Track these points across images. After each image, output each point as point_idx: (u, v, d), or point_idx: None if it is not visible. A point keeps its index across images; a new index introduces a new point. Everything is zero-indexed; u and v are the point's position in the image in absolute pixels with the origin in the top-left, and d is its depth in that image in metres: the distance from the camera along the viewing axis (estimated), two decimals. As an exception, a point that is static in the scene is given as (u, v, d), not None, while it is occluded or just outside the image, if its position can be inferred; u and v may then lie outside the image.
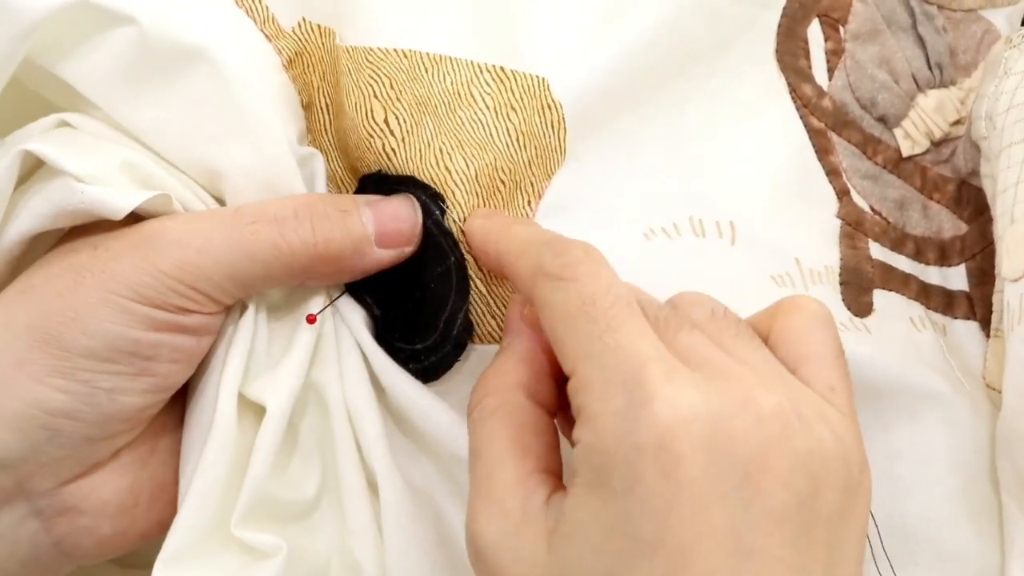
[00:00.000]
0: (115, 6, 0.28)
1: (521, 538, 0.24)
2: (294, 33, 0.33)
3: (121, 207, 0.27)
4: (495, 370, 0.28)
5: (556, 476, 0.26)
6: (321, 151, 0.33)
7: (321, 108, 0.33)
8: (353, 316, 0.31)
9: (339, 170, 0.33)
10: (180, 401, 0.31)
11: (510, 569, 0.24)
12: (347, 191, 0.33)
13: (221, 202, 0.31)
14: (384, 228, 0.30)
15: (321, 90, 0.33)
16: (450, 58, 0.31)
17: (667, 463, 0.22)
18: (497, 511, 0.25)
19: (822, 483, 0.23)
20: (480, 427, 0.27)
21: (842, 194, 0.36)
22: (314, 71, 0.33)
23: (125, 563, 0.34)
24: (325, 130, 0.33)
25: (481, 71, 0.32)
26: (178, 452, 0.30)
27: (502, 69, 0.32)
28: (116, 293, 0.27)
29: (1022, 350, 0.31)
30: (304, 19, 0.33)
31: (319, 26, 0.33)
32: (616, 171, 0.34)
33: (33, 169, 0.29)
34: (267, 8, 0.32)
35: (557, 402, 0.27)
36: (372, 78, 0.31)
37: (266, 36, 0.32)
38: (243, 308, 0.30)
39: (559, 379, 0.27)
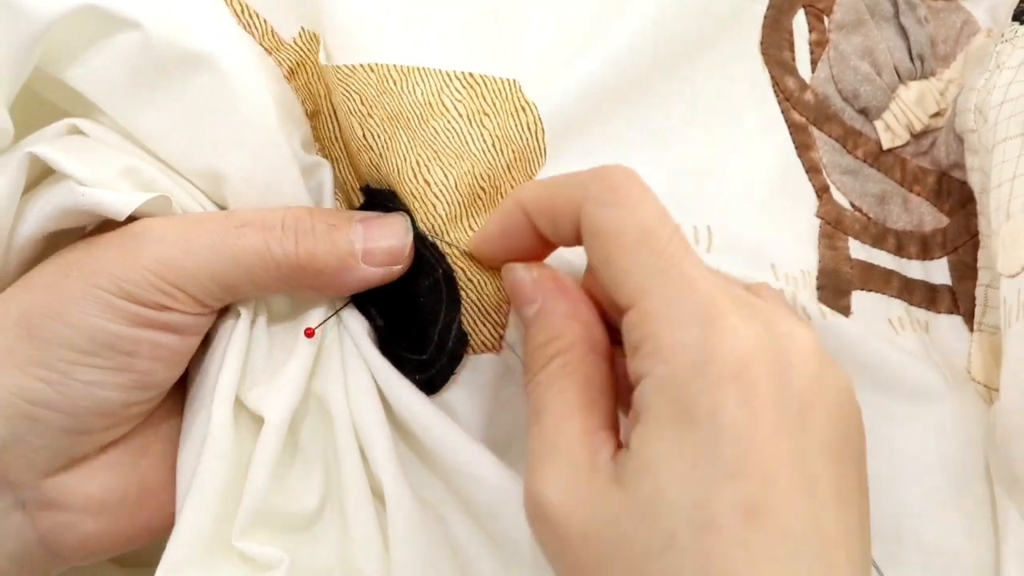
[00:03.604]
0: (120, 11, 0.28)
1: (592, 487, 0.24)
2: (295, 43, 0.32)
3: (121, 208, 0.28)
4: (550, 334, 0.27)
5: (616, 433, 0.26)
6: (331, 158, 0.33)
7: (328, 115, 0.32)
8: (357, 327, 0.31)
9: (349, 178, 0.32)
10: (177, 406, 0.31)
11: (580, 518, 0.24)
12: (356, 198, 0.32)
13: (223, 207, 0.30)
14: (372, 246, 0.30)
15: (327, 98, 0.32)
16: (418, 68, 0.31)
17: (745, 391, 0.23)
18: (565, 466, 0.25)
19: (851, 420, 0.25)
20: (546, 387, 0.27)
21: (822, 191, 0.36)
22: (319, 79, 0.32)
23: (125, 563, 0.34)
24: (336, 137, 0.32)
25: (451, 79, 0.31)
26: (171, 457, 0.30)
27: (471, 75, 0.31)
28: (98, 287, 0.27)
29: (1019, 346, 0.30)
30: (304, 28, 0.32)
31: (315, 34, 0.32)
32: None
33: (44, 175, 0.29)
34: (265, 22, 0.32)
35: (610, 347, 0.28)
36: (344, 95, 0.30)
37: (266, 50, 0.32)
38: (237, 315, 0.30)
39: (607, 322, 0.28)
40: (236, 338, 0.30)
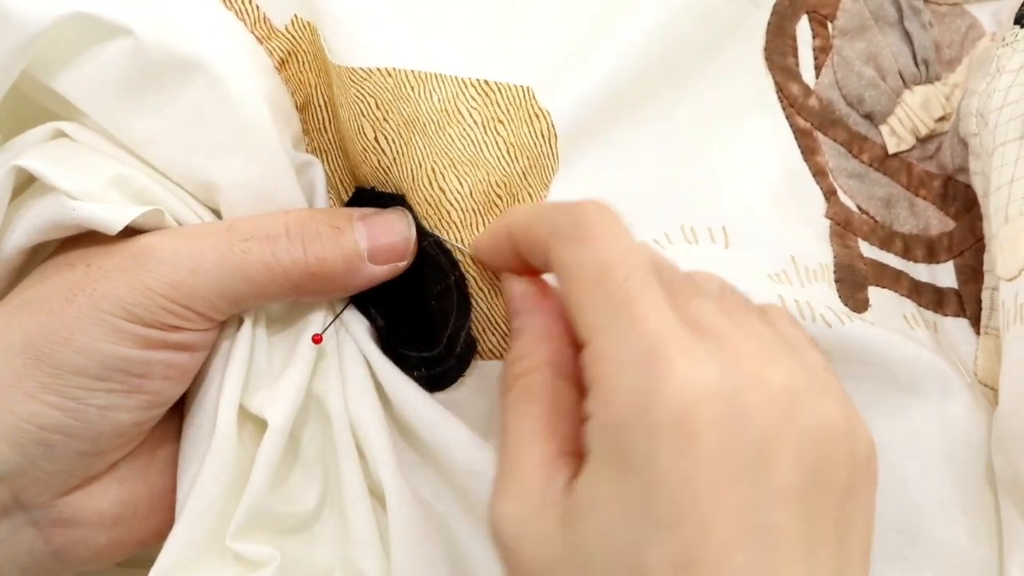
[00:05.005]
0: (111, 17, 0.27)
1: (540, 520, 0.24)
2: (287, 31, 0.32)
3: (112, 224, 0.27)
4: (518, 352, 0.27)
5: (579, 457, 0.25)
6: (320, 150, 0.32)
7: (319, 106, 0.32)
8: (358, 327, 0.31)
9: (339, 170, 0.32)
10: (177, 411, 0.30)
11: (527, 551, 0.24)
12: (347, 191, 0.32)
13: (217, 214, 0.30)
14: (377, 244, 0.29)
15: (318, 88, 0.32)
16: (435, 75, 0.31)
17: (683, 440, 0.22)
18: (517, 493, 0.24)
19: (831, 459, 0.23)
20: (510, 410, 0.26)
21: (829, 194, 0.36)
22: (310, 68, 0.32)
23: (125, 563, 0.33)
24: (325, 128, 0.32)
25: (466, 86, 0.31)
26: (175, 462, 0.30)
27: (486, 82, 0.31)
28: (107, 312, 0.27)
29: (1019, 350, 0.31)
30: (296, 16, 0.32)
31: (309, 23, 0.32)
32: (609, 178, 0.33)
33: (30, 181, 0.29)
34: (258, 8, 0.31)
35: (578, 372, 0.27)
36: (357, 96, 0.30)
37: (257, 38, 0.31)
38: (240, 321, 0.30)
39: (577, 348, 0.27)
40: (239, 345, 0.29)
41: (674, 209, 0.33)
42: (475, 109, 0.31)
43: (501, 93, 0.31)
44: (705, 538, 0.21)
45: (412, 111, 0.30)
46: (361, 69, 0.30)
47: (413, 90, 0.30)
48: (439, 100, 0.30)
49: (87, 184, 0.27)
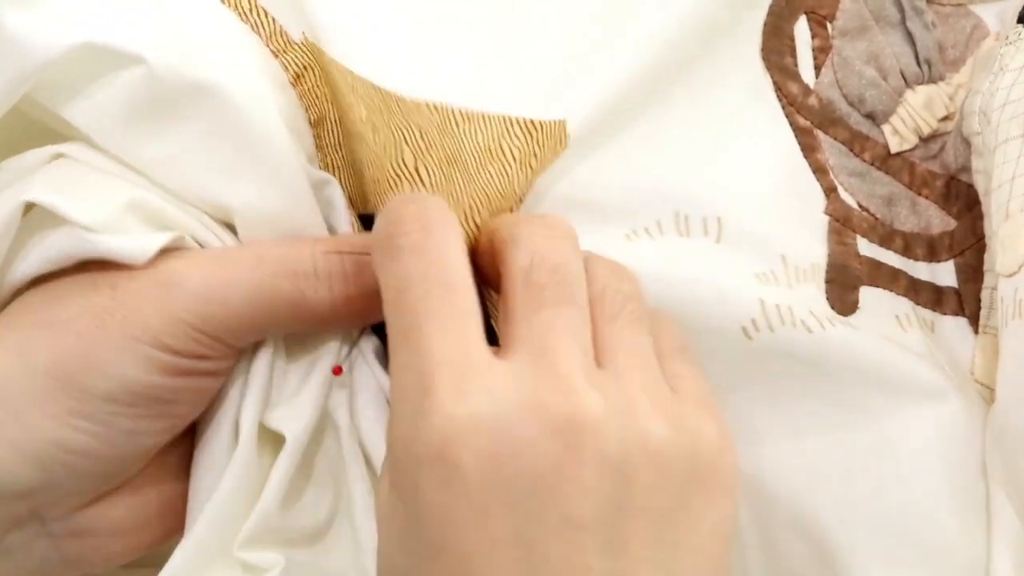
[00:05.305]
0: (122, 47, 0.27)
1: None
2: (303, 44, 0.32)
3: (138, 256, 0.27)
4: None
5: None
6: (332, 167, 0.32)
7: (333, 121, 0.32)
8: (366, 343, 0.31)
9: (349, 188, 0.32)
10: None
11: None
12: (362, 208, 0.32)
13: (233, 229, 0.30)
14: None
15: (334, 103, 0.32)
16: (482, 115, 0.31)
17: (444, 474, 0.22)
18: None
19: (642, 482, 0.23)
20: None
21: (829, 191, 0.36)
22: (325, 83, 0.32)
23: (130, 563, 0.33)
24: (339, 144, 0.32)
25: (512, 124, 0.31)
26: (185, 467, 0.30)
27: (531, 122, 0.31)
28: (137, 340, 0.27)
29: (1016, 345, 0.31)
30: (304, 33, 0.32)
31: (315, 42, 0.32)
32: (605, 171, 0.34)
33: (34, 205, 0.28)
34: (274, 20, 0.31)
35: None
36: (403, 125, 0.30)
37: (272, 52, 0.31)
38: (260, 341, 0.30)
39: None
40: (258, 363, 0.30)
41: (671, 196, 0.33)
42: (516, 147, 0.31)
43: (543, 131, 0.31)
44: (469, 568, 0.22)
45: (455, 147, 0.30)
46: (411, 100, 0.30)
47: (458, 127, 0.31)
48: (483, 139, 0.31)
49: (102, 213, 0.27)
